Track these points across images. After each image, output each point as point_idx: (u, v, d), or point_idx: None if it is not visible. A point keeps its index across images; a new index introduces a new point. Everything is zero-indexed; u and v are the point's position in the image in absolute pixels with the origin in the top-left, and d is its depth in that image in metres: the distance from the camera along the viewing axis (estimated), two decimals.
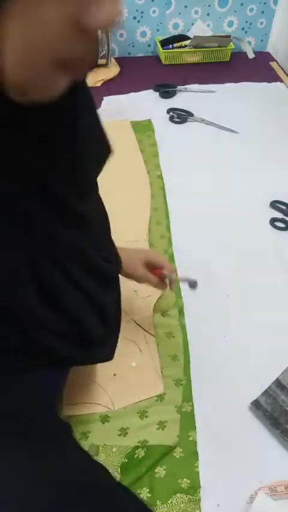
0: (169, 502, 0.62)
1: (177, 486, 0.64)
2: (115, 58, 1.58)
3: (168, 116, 1.35)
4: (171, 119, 1.34)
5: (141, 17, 1.54)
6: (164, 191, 1.11)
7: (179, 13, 1.56)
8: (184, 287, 0.89)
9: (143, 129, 1.30)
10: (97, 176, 0.51)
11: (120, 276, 0.69)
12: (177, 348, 0.80)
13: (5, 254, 0.40)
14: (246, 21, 1.63)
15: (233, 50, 1.60)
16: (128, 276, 0.72)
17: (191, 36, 1.56)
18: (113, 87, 1.44)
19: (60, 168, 0.40)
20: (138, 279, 0.73)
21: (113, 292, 0.59)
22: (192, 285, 0.76)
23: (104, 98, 1.40)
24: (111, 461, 0.65)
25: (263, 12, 1.60)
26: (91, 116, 0.46)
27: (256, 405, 0.72)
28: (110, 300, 0.57)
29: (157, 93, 1.44)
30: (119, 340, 0.78)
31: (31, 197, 0.39)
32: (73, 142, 0.41)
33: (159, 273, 0.74)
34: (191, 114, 1.35)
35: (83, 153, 0.43)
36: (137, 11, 1.52)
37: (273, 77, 1.55)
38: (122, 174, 1.14)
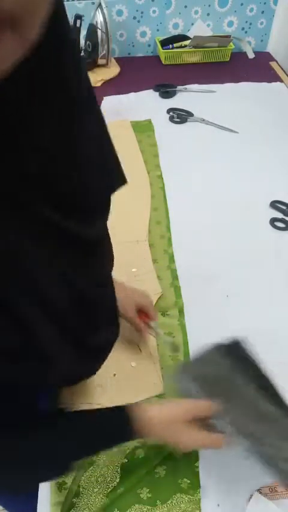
0: (169, 502, 0.62)
1: (177, 486, 0.64)
2: (115, 58, 1.58)
3: (168, 116, 1.35)
4: (171, 119, 1.34)
5: (141, 17, 1.54)
6: (164, 191, 1.11)
7: (179, 13, 1.56)
8: (184, 287, 0.89)
9: (143, 129, 1.30)
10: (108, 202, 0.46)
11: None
12: (177, 348, 0.79)
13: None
14: (246, 21, 1.63)
15: (233, 50, 1.60)
16: (120, 314, 0.73)
17: (191, 36, 1.56)
18: (113, 87, 1.45)
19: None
20: (128, 320, 0.75)
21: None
22: (175, 349, 0.78)
23: (104, 98, 1.40)
24: (111, 461, 0.65)
25: (263, 12, 1.60)
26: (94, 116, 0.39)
27: None
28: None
29: (157, 93, 1.44)
30: (118, 340, 0.78)
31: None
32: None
33: (145, 321, 0.76)
34: (191, 114, 1.35)
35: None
36: (137, 11, 1.52)
37: (273, 77, 1.55)
38: None
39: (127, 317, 0.74)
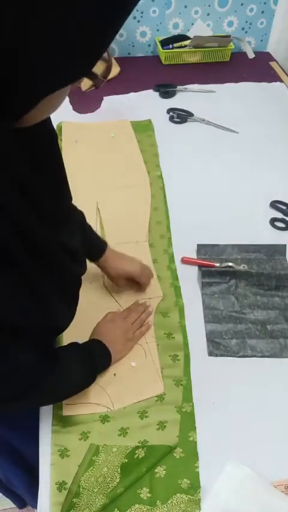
0: (169, 502, 0.62)
1: (177, 486, 0.64)
2: (115, 58, 1.58)
3: (168, 116, 1.35)
4: (171, 119, 1.34)
5: (141, 17, 1.54)
6: (164, 191, 1.11)
7: (179, 13, 1.56)
8: (184, 287, 0.89)
9: (143, 129, 1.30)
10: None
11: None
12: (177, 348, 0.80)
13: None
14: (246, 21, 1.63)
15: (233, 50, 1.60)
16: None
17: (191, 36, 1.56)
18: (113, 87, 1.44)
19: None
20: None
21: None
22: None
23: (104, 98, 1.40)
24: (111, 461, 0.65)
25: (263, 12, 1.60)
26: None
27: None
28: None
29: (157, 93, 1.44)
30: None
31: None
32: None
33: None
34: (191, 114, 1.35)
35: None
36: (137, 11, 1.52)
37: (273, 77, 1.55)
38: (122, 174, 1.14)
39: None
